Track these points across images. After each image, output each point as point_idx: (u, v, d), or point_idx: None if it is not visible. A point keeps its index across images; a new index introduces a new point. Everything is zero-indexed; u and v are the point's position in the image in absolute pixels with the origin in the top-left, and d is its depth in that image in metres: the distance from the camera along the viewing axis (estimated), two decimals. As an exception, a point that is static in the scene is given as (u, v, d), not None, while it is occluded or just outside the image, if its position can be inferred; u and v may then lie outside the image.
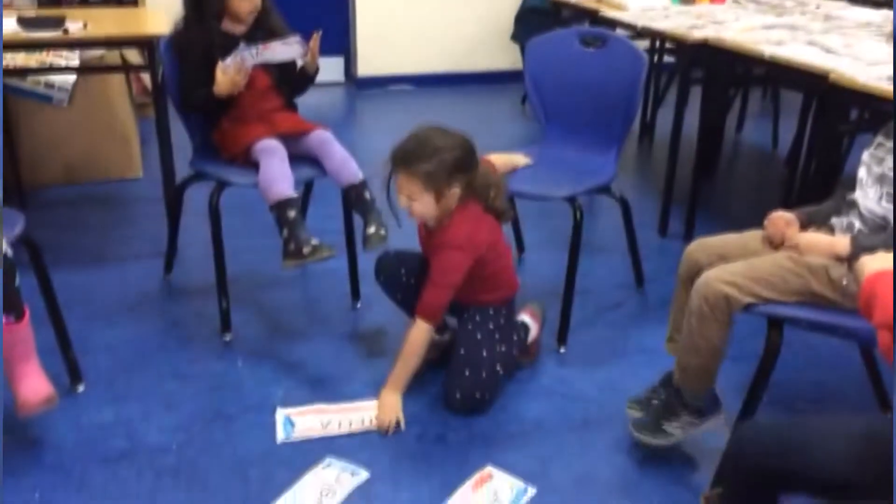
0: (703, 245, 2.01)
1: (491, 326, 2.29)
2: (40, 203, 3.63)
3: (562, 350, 2.55)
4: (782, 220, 1.92)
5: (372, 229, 2.47)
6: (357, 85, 5.91)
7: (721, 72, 3.61)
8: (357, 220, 2.62)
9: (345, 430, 2.15)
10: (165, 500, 1.90)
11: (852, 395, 2.34)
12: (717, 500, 1.50)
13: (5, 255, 1.86)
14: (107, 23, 3.14)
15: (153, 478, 1.97)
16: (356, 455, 2.05)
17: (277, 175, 2.43)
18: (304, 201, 2.91)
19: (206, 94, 2.49)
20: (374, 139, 4.64)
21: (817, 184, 2.68)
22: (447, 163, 2.08)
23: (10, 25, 2.80)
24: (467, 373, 2.20)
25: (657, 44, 4.72)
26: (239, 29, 2.58)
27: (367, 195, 2.55)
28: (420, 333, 2.18)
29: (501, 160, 2.53)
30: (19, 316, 1.92)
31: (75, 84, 3.67)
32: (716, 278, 1.80)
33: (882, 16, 3.49)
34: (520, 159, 2.66)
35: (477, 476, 1.99)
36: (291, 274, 2.97)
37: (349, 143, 2.66)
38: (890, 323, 1.05)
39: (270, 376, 2.39)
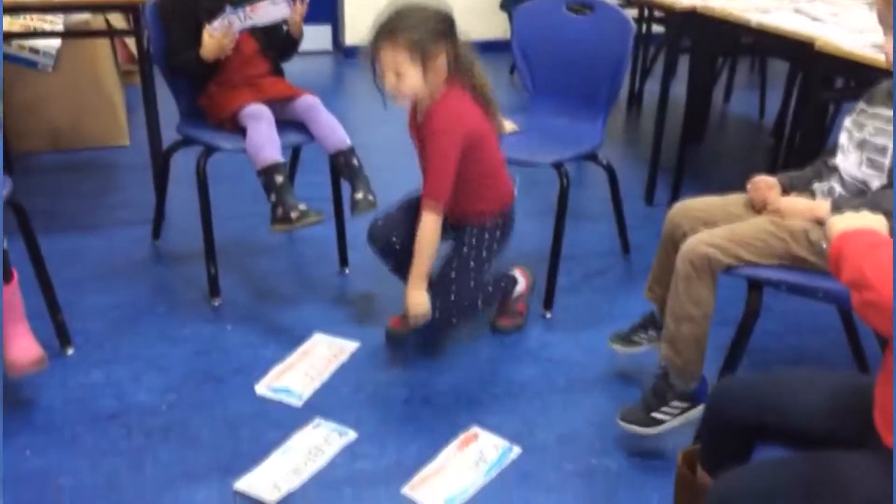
0: (686, 208, 2.03)
1: (485, 254, 2.30)
2: (27, 170, 3.61)
3: (548, 315, 2.58)
4: (764, 183, 1.94)
5: (360, 195, 2.48)
6: (345, 53, 5.87)
7: (709, 40, 3.61)
8: (345, 186, 2.63)
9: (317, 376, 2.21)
10: (156, 458, 1.93)
11: (832, 359, 2.38)
12: (694, 454, 1.53)
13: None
14: (91, -14, 3.11)
15: (143, 437, 2.00)
16: (344, 416, 2.08)
17: (265, 140, 2.43)
18: (291, 168, 2.91)
19: (192, 57, 2.48)
20: (361, 108, 4.65)
21: (802, 152, 2.70)
22: (431, 29, 2.10)
23: (-6, -12, 2.76)
24: (453, 297, 2.24)
25: (645, 13, 4.71)
26: (225, -8, 2.56)
27: (355, 161, 2.56)
28: (429, 225, 2.18)
29: None
30: (7, 279, 1.94)
31: (60, 50, 3.64)
32: (699, 241, 1.83)
33: (869, -15, 3.50)
34: (507, 125, 2.66)
35: (462, 436, 2.03)
36: (279, 240, 2.98)
37: (337, 111, 2.66)
38: (858, 281, 1.06)
39: (259, 340, 2.41)
